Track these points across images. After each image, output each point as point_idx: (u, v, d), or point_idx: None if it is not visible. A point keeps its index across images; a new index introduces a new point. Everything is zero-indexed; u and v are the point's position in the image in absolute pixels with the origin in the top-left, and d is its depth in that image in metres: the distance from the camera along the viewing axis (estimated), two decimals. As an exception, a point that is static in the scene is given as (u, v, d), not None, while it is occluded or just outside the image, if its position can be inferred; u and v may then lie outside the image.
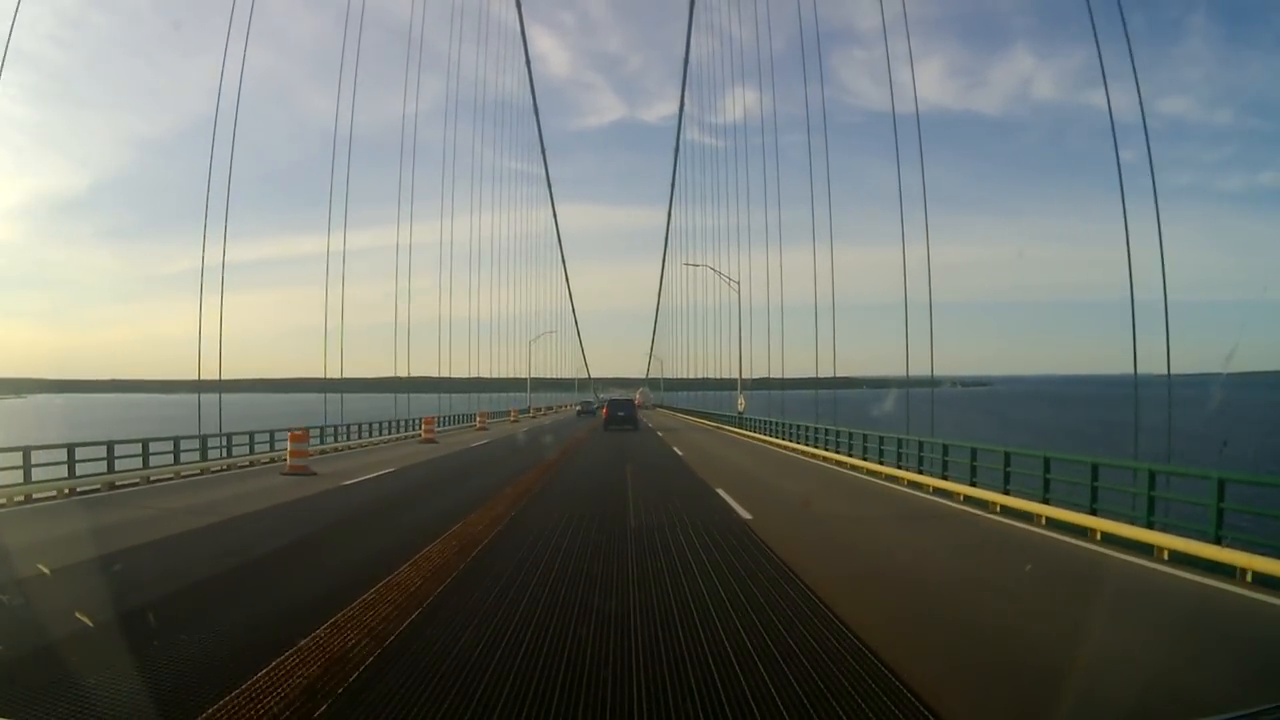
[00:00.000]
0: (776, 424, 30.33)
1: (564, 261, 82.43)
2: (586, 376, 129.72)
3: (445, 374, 44.32)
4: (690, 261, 53.63)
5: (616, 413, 41.18)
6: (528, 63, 55.65)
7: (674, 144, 65.06)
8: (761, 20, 34.04)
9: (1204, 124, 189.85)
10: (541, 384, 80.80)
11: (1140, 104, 14.30)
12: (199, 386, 21.95)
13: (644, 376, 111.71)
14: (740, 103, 40.70)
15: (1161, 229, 13.93)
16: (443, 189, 41.13)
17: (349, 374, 31.89)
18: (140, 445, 17.17)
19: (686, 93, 56.71)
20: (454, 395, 48.41)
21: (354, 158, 30.46)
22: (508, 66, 53.85)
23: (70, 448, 15.09)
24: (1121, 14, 14.21)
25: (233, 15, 21.68)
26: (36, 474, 14.25)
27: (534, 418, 62.30)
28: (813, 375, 32.02)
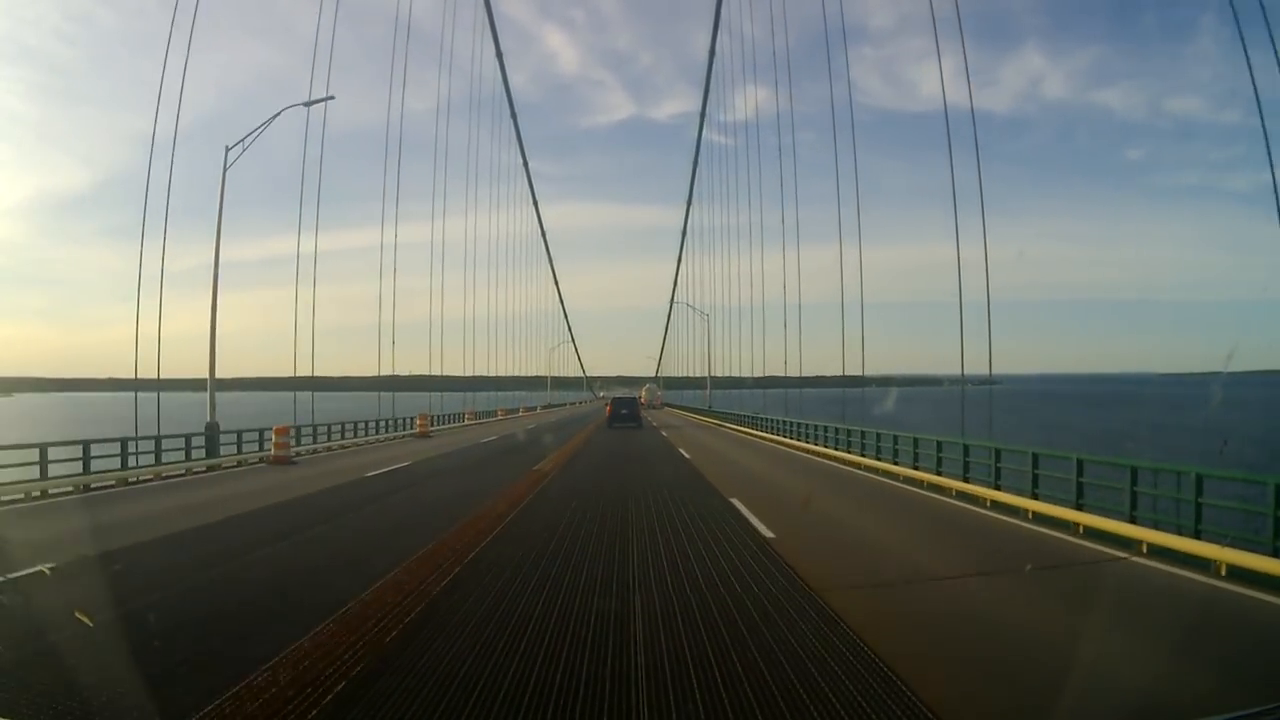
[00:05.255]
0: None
1: (550, 257, 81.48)
2: (582, 374, 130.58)
3: (437, 372, 45.70)
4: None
5: (620, 410, 42.16)
6: (499, 54, 52.55)
7: (688, 141, 64.76)
8: (778, 19, 34.75)
9: (1212, 123, 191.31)
10: (522, 384, 79.29)
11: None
12: (211, 385, 22.66)
13: (654, 375, 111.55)
14: (755, 100, 43.56)
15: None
16: (433, 189, 41.45)
17: (346, 372, 33.08)
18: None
19: (702, 89, 54.68)
20: (446, 394, 48.85)
21: (354, 154, 32.18)
22: (511, 64, 55.20)
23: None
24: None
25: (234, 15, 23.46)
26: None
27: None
28: (818, 374, 32.30)
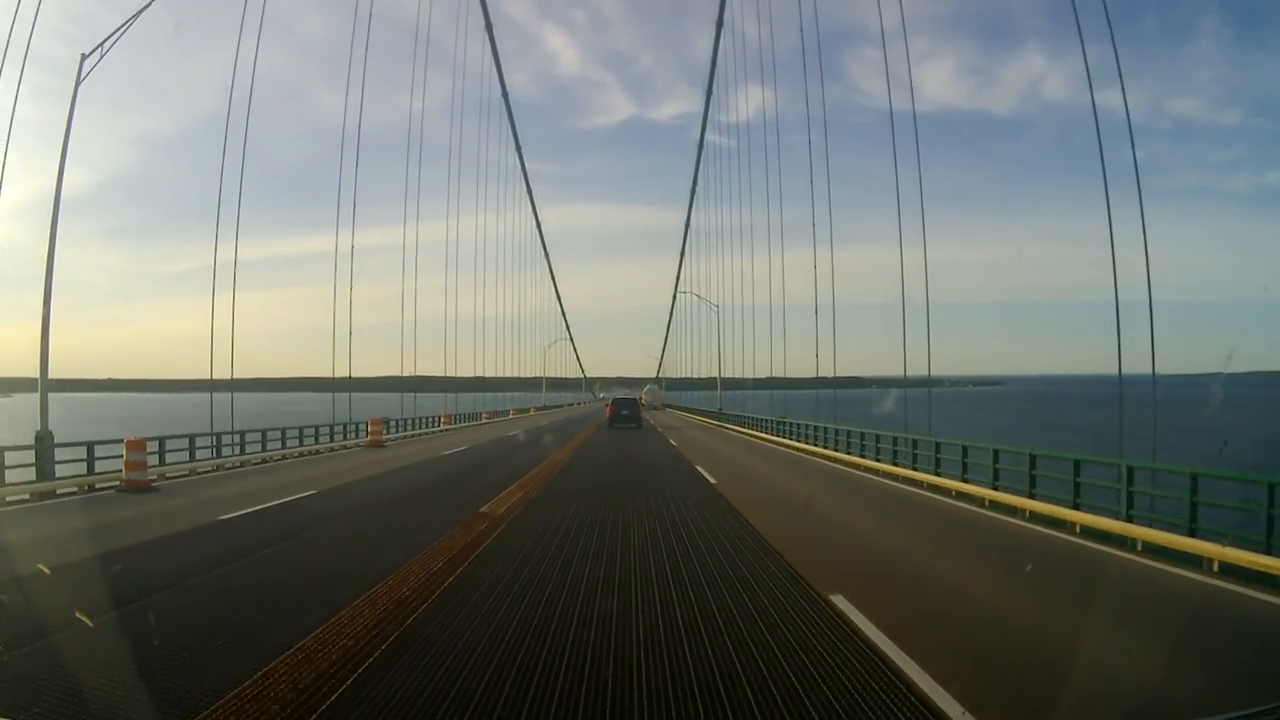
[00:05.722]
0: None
1: (546, 253, 77.75)
2: (581, 375, 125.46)
3: (412, 373, 42.32)
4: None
5: (621, 411, 41.74)
6: (496, 58, 50.18)
7: (689, 141, 63.14)
8: (779, 20, 34.18)
9: (1212, 124, 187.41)
10: (520, 384, 74.47)
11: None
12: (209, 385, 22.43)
13: (654, 376, 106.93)
14: (758, 101, 40.79)
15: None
16: (404, 188, 37.47)
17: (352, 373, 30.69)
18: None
19: (702, 90, 53.01)
20: (441, 395, 47.15)
21: (361, 155, 30.04)
22: (512, 65, 52.26)
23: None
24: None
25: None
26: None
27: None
28: (814, 375, 29.91)
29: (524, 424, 48.86)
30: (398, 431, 34.08)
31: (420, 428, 37.62)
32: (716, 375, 54.58)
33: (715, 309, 51.47)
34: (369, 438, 27.94)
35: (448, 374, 46.26)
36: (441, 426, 40.49)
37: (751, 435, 35.03)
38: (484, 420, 51.05)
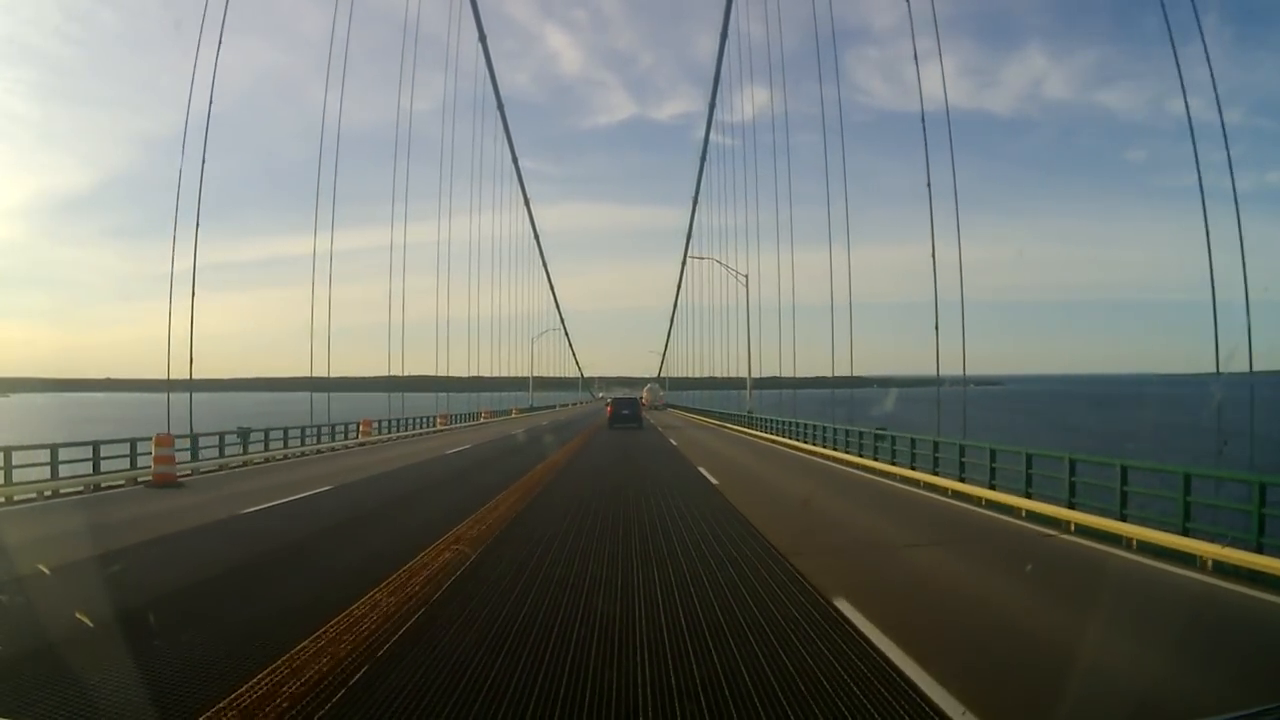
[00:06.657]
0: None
1: (540, 247, 74.81)
2: (579, 374, 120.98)
3: (411, 372, 41.04)
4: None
5: (621, 411, 41.56)
6: (487, 59, 49.03)
7: (690, 141, 62.32)
8: (780, 19, 34.17)
9: (1212, 124, 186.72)
10: (517, 384, 70.79)
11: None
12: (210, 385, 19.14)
13: (655, 376, 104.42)
14: (761, 101, 41.18)
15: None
16: (402, 188, 36.86)
17: (344, 372, 28.41)
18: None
19: (703, 89, 52.78)
20: (425, 394, 46.09)
21: (355, 155, 27.29)
22: (513, 65, 51.23)
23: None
24: None
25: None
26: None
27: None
28: (817, 375, 29.97)
29: (487, 433, 37.97)
30: (303, 445, 25.09)
31: (338, 440, 28.01)
32: (726, 373, 50.54)
33: (743, 280, 40.54)
34: (154, 470, 16.77)
35: (439, 374, 44.62)
36: (361, 436, 30.23)
37: (810, 453, 24.78)
38: (440, 426, 40.32)
